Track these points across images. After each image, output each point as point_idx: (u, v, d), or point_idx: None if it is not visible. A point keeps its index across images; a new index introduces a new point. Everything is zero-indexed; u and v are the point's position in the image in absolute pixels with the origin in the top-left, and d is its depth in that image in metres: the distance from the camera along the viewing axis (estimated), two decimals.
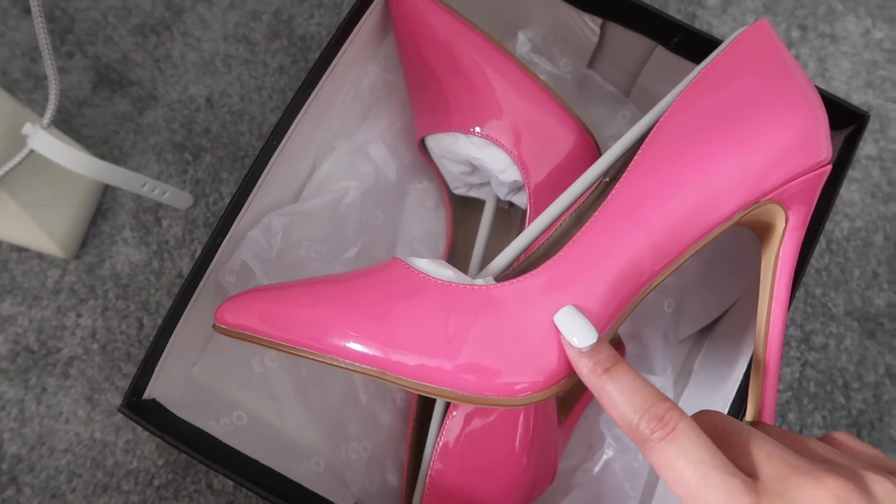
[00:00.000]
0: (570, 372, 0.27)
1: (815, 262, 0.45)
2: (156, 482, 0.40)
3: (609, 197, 0.28)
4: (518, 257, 0.32)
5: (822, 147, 0.29)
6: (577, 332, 0.25)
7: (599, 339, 0.25)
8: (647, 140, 0.29)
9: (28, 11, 0.46)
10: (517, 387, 0.27)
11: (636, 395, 0.23)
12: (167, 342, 0.32)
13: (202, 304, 0.33)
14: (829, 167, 0.30)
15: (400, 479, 0.38)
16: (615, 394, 0.24)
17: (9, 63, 0.46)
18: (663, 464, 0.22)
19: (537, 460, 0.35)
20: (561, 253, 0.28)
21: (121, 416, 0.41)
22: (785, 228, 0.30)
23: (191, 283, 0.32)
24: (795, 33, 0.49)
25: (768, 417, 0.30)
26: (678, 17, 0.42)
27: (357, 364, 0.28)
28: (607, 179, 0.32)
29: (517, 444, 0.34)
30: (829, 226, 0.45)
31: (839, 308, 0.44)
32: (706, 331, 0.40)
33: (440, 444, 0.34)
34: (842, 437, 0.25)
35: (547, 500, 0.38)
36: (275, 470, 0.32)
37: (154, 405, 0.32)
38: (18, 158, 0.35)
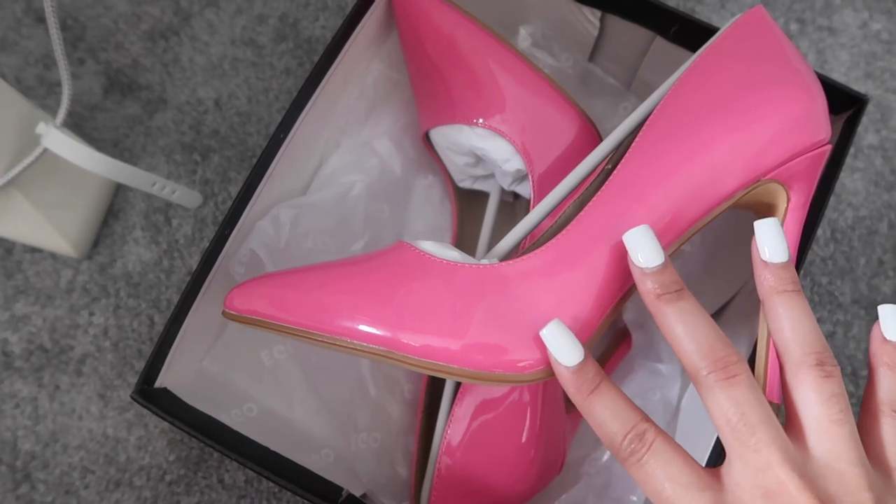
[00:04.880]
0: None
1: (820, 250, 0.45)
2: (167, 477, 0.40)
3: (611, 178, 0.29)
4: (523, 240, 0.32)
5: (820, 126, 0.29)
6: (564, 350, 0.26)
7: (585, 358, 0.26)
8: (646, 123, 0.30)
9: (40, 20, 0.48)
10: (523, 363, 0.27)
11: (619, 417, 0.25)
12: (178, 330, 0.32)
13: (212, 296, 0.34)
14: (829, 147, 0.30)
15: (409, 471, 0.39)
16: (600, 415, 0.25)
17: (22, 70, 0.47)
18: (641, 479, 0.25)
19: (545, 450, 0.35)
20: (565, 231, 0.28)
21: (133, 412, 0.41)
22: (787, 209, 0.30)
23: (201, 272, 0.33)
24: (794, 27, 0.49)
25: (774, 397, 0.30)
26: None
27: (365, 344, 0.28)
28: (609, 166, 0.32)
29: (525, 433, 0.34)
30: (833, 215, 0.46)
31: (846, 296, 0.44)
32: (713, 318, 0.41)
33: (448, 436, 0.34)
34: None
35: (556, 490, 0.38)
36: (288, 458, 0.32)
37: (166, 394, 0.33)
38: (32, 157, 0.36)
